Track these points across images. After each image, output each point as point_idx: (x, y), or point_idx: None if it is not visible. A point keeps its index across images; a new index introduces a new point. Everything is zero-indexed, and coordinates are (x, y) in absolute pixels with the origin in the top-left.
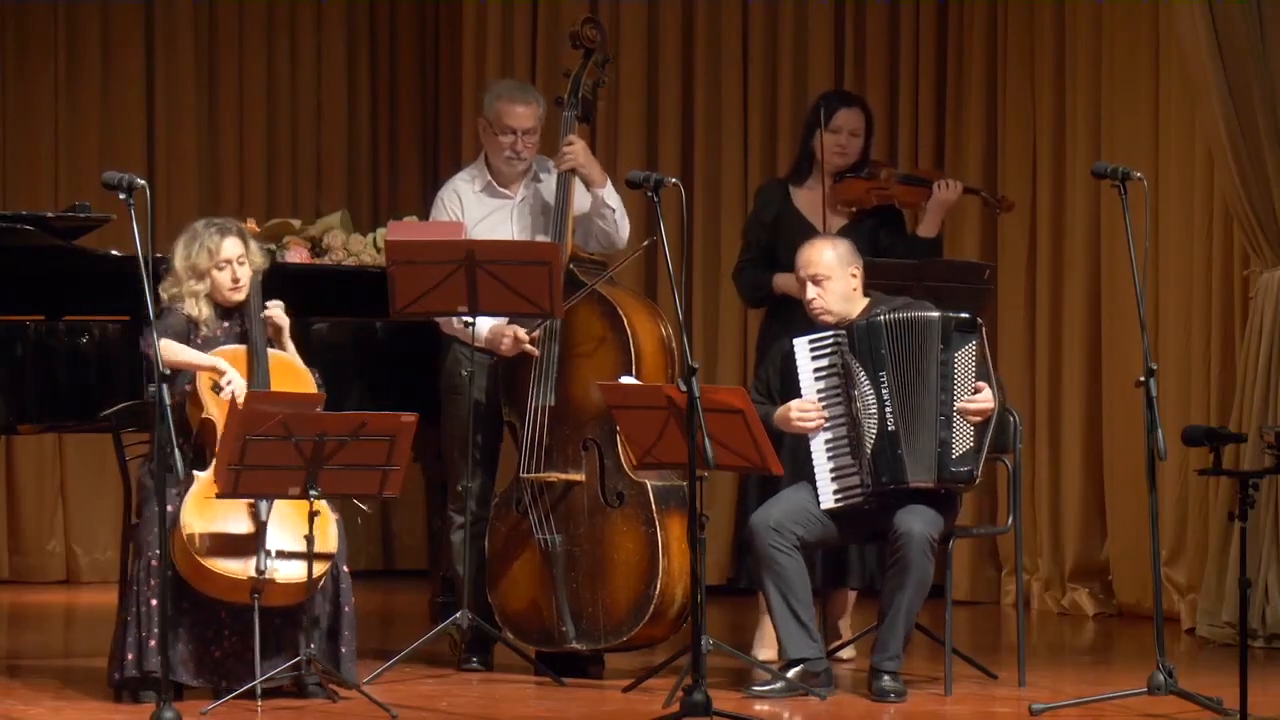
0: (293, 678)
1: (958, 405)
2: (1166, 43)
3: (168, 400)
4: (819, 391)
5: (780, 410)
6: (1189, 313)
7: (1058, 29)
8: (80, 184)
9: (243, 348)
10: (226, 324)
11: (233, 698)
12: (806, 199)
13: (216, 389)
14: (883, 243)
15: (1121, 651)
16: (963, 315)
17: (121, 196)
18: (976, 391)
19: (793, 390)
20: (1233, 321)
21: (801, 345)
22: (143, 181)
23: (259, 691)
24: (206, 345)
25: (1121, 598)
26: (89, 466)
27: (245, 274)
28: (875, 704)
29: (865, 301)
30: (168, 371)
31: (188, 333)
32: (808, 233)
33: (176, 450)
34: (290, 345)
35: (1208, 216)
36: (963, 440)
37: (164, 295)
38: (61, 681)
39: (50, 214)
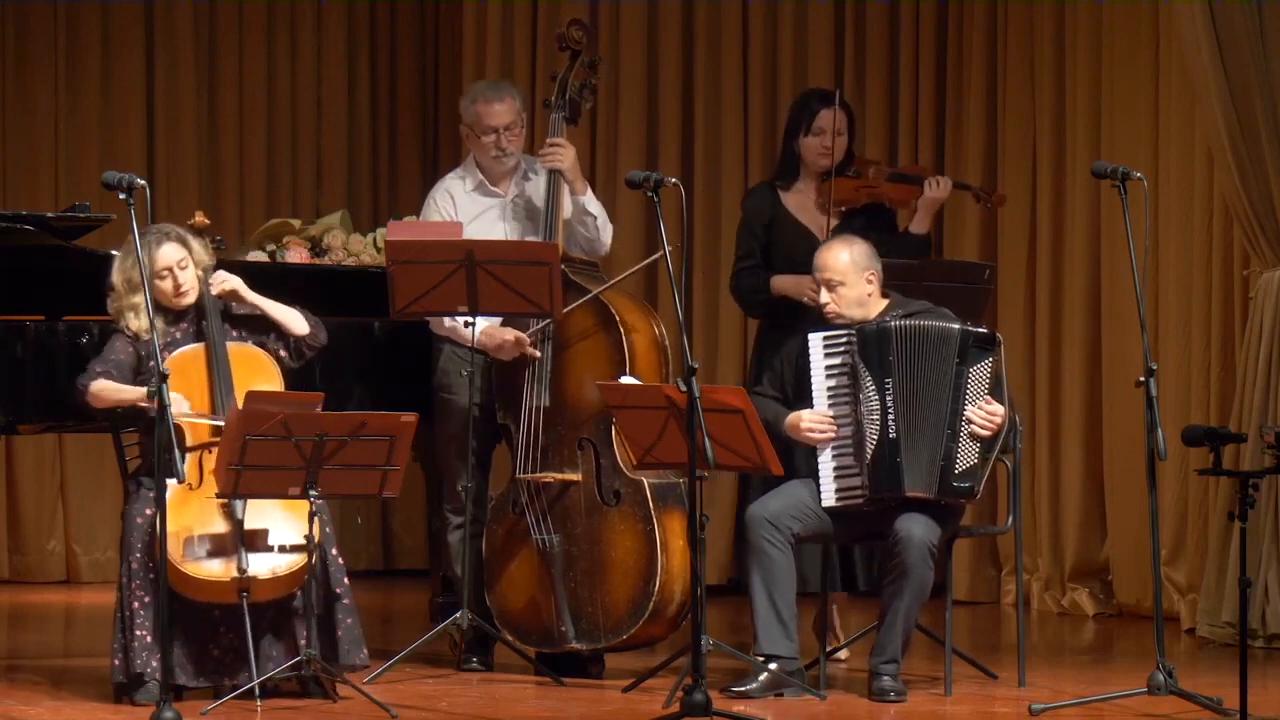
0: (293, 676)
1: (966, 413)
2: (1166, 43)
3: (168, 401)
4: (829, 389)
5: (792, 418)
6: (1189, 313)
7: (1058, 29)
8: (80, 184)
9: (201, 346)
10: (184, 324)
11: (233, 697)
12: (796, 201)
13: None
14: (873, 241)
15: (1121, 651)
16: (982, 330)
17: (121, 196)
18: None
19: (805, 386)
20: (1233, 321)
21: (816, 340)
22: (143, 181)
23: (258, 691)
24: (163, 349)
25: (1121, 598)
26: (89, 466)
27: (189, 277)
28: (875, 704)
29: (884, 303)
30: (167, 370)
31: (136, 358)
32: (802, 235)
33: (178, 451)
34: (254, 297)
35: (1208, 216)
36: (967, 455)
37: (110, 310)
38: (61, 681)
39: (50, 214)
